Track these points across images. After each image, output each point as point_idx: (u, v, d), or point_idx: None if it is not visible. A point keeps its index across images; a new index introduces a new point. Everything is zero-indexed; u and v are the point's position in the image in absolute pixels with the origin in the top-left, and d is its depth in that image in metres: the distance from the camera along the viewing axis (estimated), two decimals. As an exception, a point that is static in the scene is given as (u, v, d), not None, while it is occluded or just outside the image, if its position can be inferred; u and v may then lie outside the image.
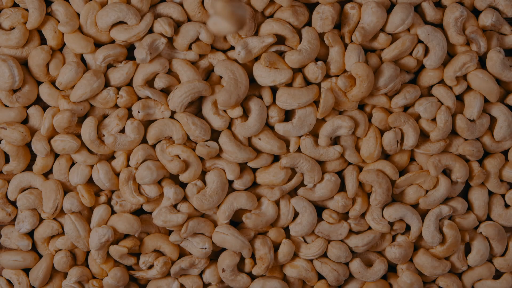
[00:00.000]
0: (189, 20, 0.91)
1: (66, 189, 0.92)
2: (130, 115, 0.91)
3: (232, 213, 0.91)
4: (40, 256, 0.94)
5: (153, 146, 0.91)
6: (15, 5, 0.92)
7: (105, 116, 0.92)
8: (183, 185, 0.92)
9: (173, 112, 0.91)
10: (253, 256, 0.93)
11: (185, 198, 0.92)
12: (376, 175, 0.91)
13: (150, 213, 0.93)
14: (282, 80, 0.89)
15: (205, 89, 0.88)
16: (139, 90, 0.90)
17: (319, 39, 0.90)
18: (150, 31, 0.90)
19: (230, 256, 0.91)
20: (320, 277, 0.95)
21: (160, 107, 0.90)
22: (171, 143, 0.91)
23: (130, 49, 0.91)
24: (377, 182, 0.91)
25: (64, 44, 0.91)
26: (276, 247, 0.93)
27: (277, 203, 0.92)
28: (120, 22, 0.90)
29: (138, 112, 0.89)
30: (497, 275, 0.98)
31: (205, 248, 0.91)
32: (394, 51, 0.90)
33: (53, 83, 0.92)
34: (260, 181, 0.92)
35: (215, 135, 0.91)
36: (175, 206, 0.91)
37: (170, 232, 0.93)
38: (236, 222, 0.94)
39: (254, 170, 0.93)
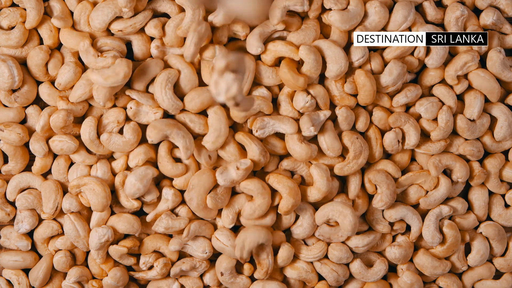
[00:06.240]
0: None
1: (65, 189, 0.92)
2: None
3: (235, 216, 0.91)
4: (40, 256, 0.93)
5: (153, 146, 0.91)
6: (14, 5, 0.91)
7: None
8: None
9: (169, 114, 0.91)
10: (253, 259, 0.92)
11: (182, 202, 0.91)
12: (385, 176, 0.90)
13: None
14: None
15: None
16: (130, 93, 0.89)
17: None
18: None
19: (227, 259, 0.91)
20: (320, 277, 0.95)
21: (152, 109, 0.89)
22: (172, 145, 0.90)
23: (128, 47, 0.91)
24: (386, 183, 0.90)
25: (61, 44, 0.91)
26: (276, 249, 0.92)
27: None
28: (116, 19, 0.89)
29: (131, 108, 0.88)
30: (497, 275, 0.98)
31: (206, 253, 0.90)
32: (396, 51, 0.90)
33: (52, 82, 0.91)
34: None
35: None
36: (171, 211, 0.91)
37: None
38: (236, 225, 0.93)
39: (254, 173, 0.92)
